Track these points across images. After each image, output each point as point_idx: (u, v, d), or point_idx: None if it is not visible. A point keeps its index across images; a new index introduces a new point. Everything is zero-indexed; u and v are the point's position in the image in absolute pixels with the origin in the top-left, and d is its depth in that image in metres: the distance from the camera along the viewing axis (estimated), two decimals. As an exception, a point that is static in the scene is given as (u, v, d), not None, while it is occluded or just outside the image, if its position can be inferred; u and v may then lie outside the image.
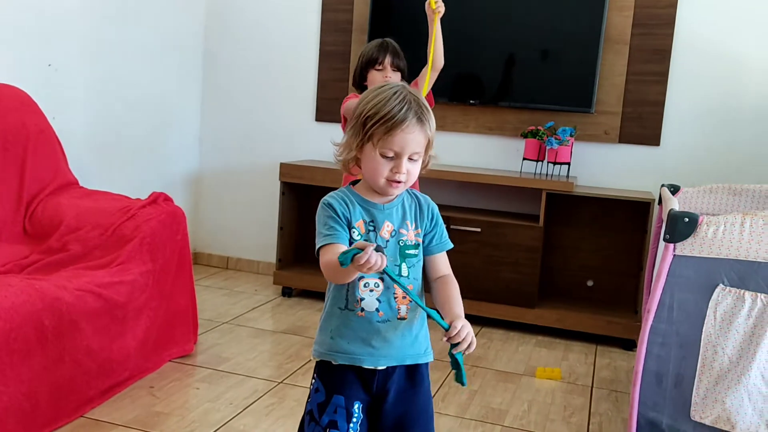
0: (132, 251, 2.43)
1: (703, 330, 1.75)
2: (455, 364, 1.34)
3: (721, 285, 1.73)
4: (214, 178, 4.21)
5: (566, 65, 3.47)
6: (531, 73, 3.56)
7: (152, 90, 3.74)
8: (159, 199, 2.63)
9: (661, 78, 3.41)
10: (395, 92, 1.36)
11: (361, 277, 1.37)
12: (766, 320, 1.68)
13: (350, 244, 1.37)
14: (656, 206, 3.11)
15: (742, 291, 1.71)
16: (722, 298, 1.72)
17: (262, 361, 2.78)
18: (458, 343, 1.30)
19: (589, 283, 3.56)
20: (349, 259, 1.22)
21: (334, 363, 1.41)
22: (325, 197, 1.42)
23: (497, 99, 3.62)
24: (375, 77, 2.52)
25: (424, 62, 2.51)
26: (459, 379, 1.34)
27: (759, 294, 1.69)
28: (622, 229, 3.47)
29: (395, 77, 2.52)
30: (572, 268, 3.59)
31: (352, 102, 2.44)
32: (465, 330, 1.31)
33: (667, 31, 3.38)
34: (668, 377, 1.80)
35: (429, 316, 1.36)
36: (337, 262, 1.23)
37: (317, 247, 1.37)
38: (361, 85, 2.59)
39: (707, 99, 3.40)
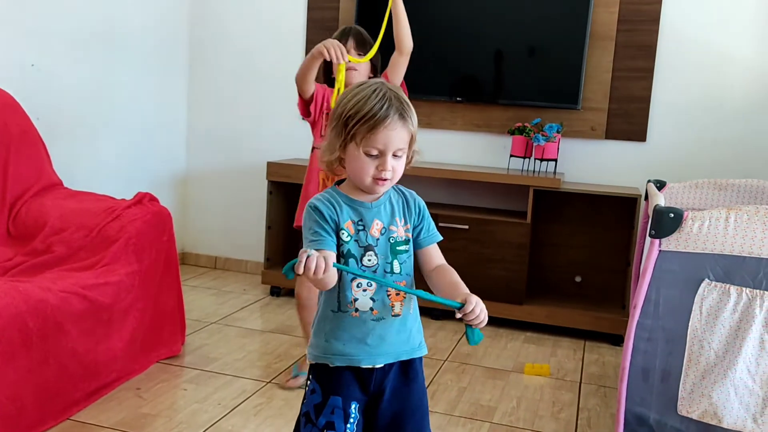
0: (117, 252, 2.42)
1: (689, 325, 1.75)
2: (471, 333, 1.35)
3: (706, 280, 1.73)
4: (201, 177, 4.19)
5: (552, 62, 3.48)
6: (518, 70, 3.56)
7: (137, 90, 3.71)
8: (144, 200, 2.61)
9: (646, 74, 3.43)
10: (374, 90, 1.35)
11: (353, 278, 1.37)
12: (751, 315, 1.69)
13: (339, 246, 1.37)
14: (643, 202, 3.12)
15: (728, 286, 1.71)
16: (708, 292, 1.73)
17: (250, 361, 2.77)
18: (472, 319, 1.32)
19: (577, 279, 3.57)
20: (290, 269, 1.21)
21: (330, 365, 1.40)
22: (311, 200, 1.40)
23: (484, 96, 3.62)
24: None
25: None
26: (473, 340, 1.35)
27: (744, 288, 1.70)
28: (610, 225, 3.48)
29: (362, 64, 2.41)
30: (560, 264, 3.60)
31: (299, 71, 2.37)
32: (479, 306, 1.32)
33: (652, 27, 3.39)
34: (655, 372, 1.80)
35: (426, 301, 1.36)
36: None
37: None
38: (328, 78, 2.49)
39: (692, 94, 3.41)
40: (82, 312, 2.20)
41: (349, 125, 1.34)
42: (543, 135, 3.36)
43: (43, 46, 3.07)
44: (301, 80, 2.39)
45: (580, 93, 3.42)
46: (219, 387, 2.51)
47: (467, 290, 1.37)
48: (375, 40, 2.42)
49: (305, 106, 2.47)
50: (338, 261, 1.36)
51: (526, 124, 3.45)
